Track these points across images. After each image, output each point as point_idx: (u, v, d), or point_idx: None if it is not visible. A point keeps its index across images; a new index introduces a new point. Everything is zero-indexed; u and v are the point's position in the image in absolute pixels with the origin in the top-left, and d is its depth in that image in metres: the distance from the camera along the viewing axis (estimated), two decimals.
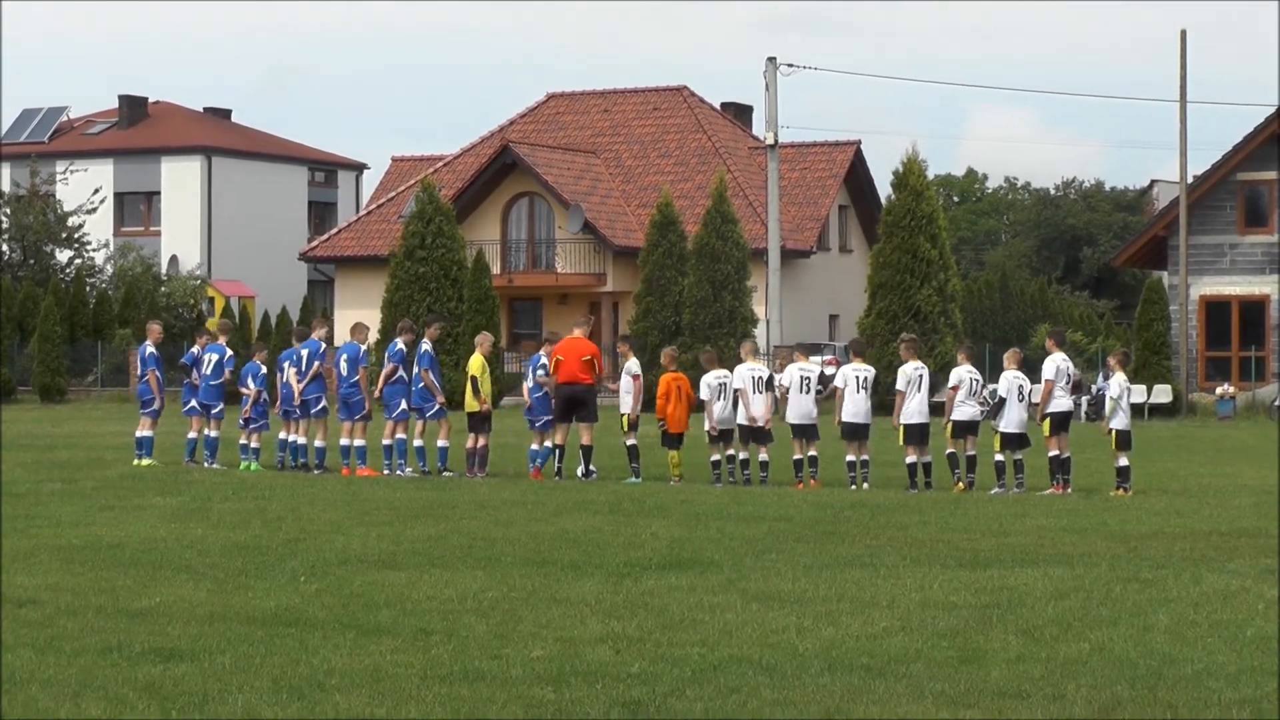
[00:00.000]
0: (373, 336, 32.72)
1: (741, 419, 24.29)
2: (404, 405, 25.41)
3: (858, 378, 24.15)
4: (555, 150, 64.34)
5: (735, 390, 24.30)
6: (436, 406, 25.28)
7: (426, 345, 25.60)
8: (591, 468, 24.81)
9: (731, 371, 24.66)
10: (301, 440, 25.97)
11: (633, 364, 25.72)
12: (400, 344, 25.83)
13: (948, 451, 23.79)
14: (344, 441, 25.57)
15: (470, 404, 25.26)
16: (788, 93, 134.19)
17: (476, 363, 25.40)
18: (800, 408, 24.29)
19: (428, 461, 25.40)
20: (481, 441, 25.13)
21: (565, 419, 24.99)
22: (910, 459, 23.72)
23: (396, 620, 12.05)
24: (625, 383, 25.37)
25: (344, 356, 25.79)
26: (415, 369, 25.43)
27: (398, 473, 25.04)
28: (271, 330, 61.95)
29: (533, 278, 62.36)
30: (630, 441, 24.96)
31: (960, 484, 23.51)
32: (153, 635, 11.42)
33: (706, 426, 24.59)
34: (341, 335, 29.02)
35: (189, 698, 9.68)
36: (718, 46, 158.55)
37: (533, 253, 62.98)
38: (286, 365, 26.16)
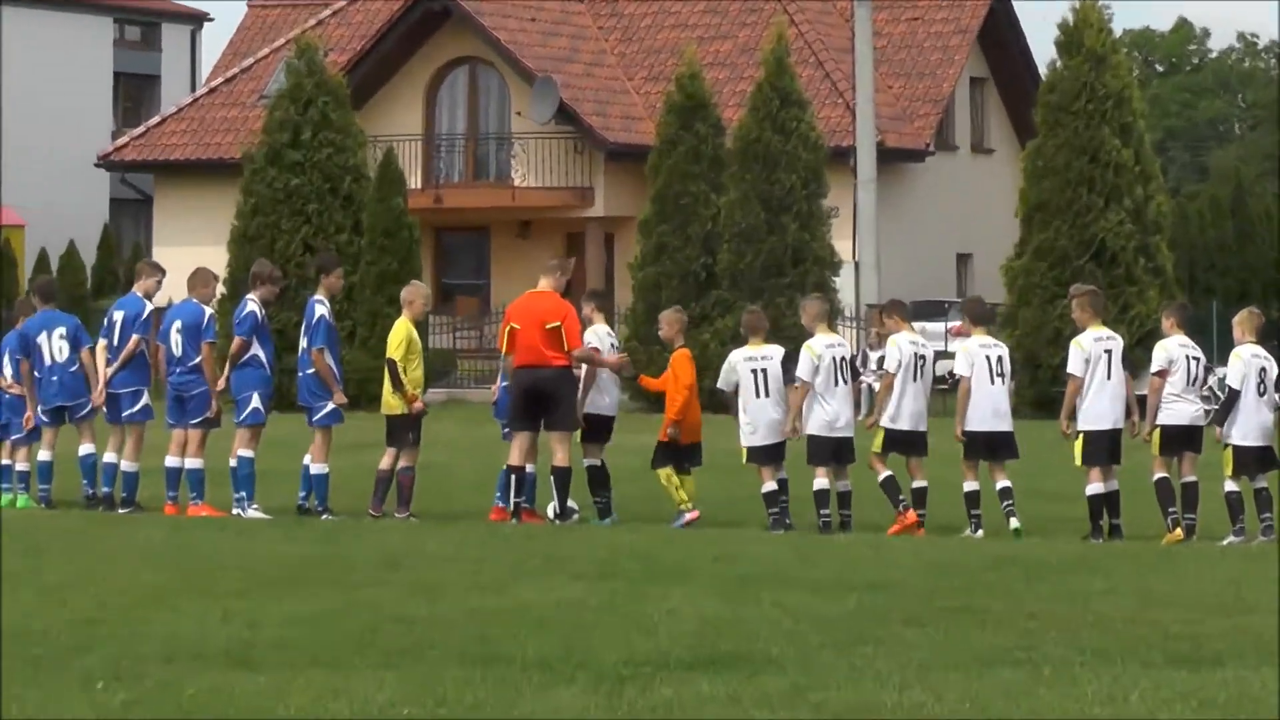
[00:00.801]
0: (219, 290, 32.66)
1: (814, 427, 24.15)
2: (256, 402, 25.27)
3: (989, 359, 24.09)
4: None
5: (806, 380, 24.08)
6: (329, 407, 25.13)
7: (322, 308, 25.30)
8: (571, 504, 24.76)
9: (795, 348, 24.57)
10: (112, 458, 25.98)
11: (601, 331, 25.41)
12: (253, 303, 25.58)
13: (1157, 477, 23.72)
14: (172, 461, 25.57)
15: (389, 403, 25.09)
16: None
17: (399, 335, 25.11)
18: (910, 406, 24.25)
19: (308, 498, 25.29)
20: (403, 462, 25.04)
21: (527, 424, 24.80)
22: (1093, 487, 23.69)
23: None
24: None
25: (176, 324, 25.65)
26: (304, 345, 25.26)
27: (240, 512, 25.01)
28: (53, 279, 62.04)
29: (475, 194, 62.45)
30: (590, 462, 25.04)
31: (1177, 530, 23.48)
32: None
33: (745, 439, 24.36)
34: (173, 291, 28.79)
35: None
36: None
37: (475, 155, 63.05)
38: (46, 337, 26.24)
